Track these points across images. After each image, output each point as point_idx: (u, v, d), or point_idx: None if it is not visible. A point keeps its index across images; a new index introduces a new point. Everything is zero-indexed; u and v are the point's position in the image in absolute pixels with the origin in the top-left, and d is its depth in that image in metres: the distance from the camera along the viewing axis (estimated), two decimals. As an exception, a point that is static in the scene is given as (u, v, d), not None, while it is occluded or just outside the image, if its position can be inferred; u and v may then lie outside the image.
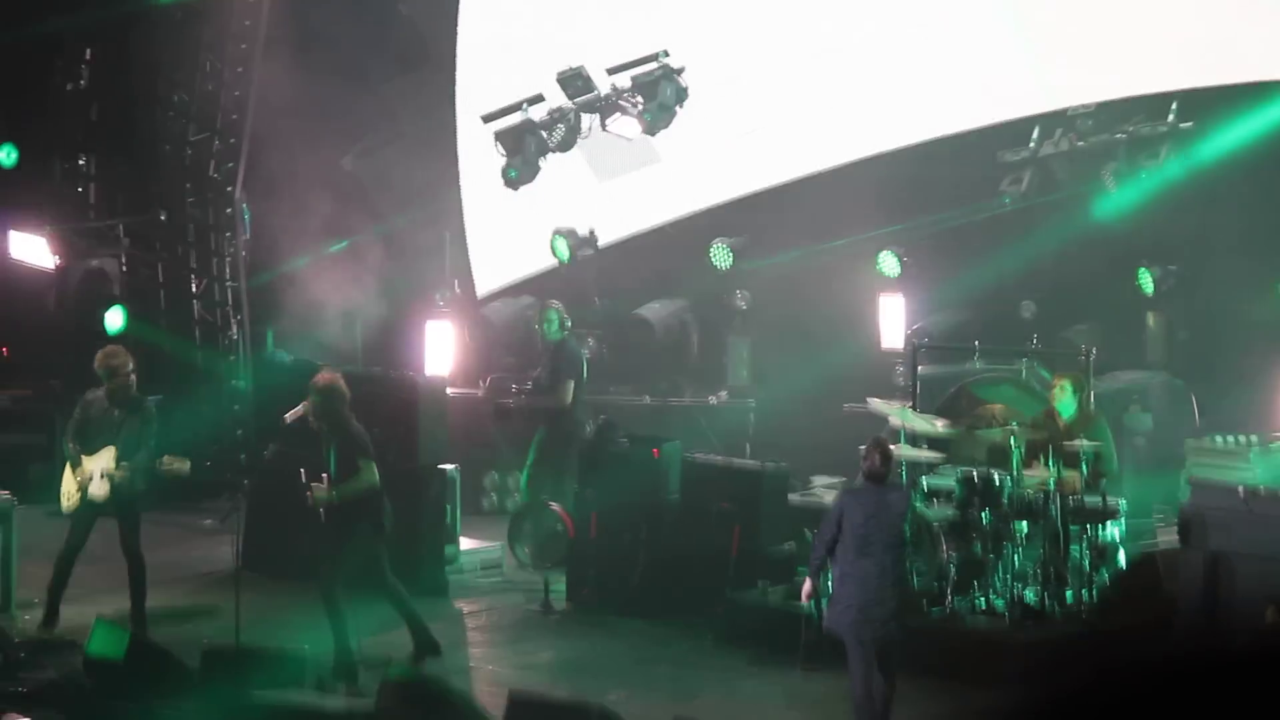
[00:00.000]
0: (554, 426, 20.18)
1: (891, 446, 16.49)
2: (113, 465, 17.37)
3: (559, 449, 20.30)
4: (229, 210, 23.90)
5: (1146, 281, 21.73)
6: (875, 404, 18.63)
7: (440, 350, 22.99)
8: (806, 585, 14.65)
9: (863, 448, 14.54)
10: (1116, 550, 16.93)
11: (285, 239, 23.75)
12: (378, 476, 16.32)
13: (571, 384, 20.06)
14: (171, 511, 21.28)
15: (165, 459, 17.24)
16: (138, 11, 22.86)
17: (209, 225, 23.87)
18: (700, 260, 23.31)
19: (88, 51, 23.63)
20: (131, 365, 17.73)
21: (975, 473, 17.21)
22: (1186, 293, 22.06)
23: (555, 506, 19.47)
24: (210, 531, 21.36)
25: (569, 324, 20.48)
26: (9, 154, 23.96)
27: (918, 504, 16.93)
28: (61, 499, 17.76)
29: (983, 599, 16.84)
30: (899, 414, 18.20)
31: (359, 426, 16.48)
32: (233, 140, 23.70)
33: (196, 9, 23.14)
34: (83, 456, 17.54)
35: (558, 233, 23.47)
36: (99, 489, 17.38)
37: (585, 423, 20.12)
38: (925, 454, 18.04)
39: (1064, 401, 17.79)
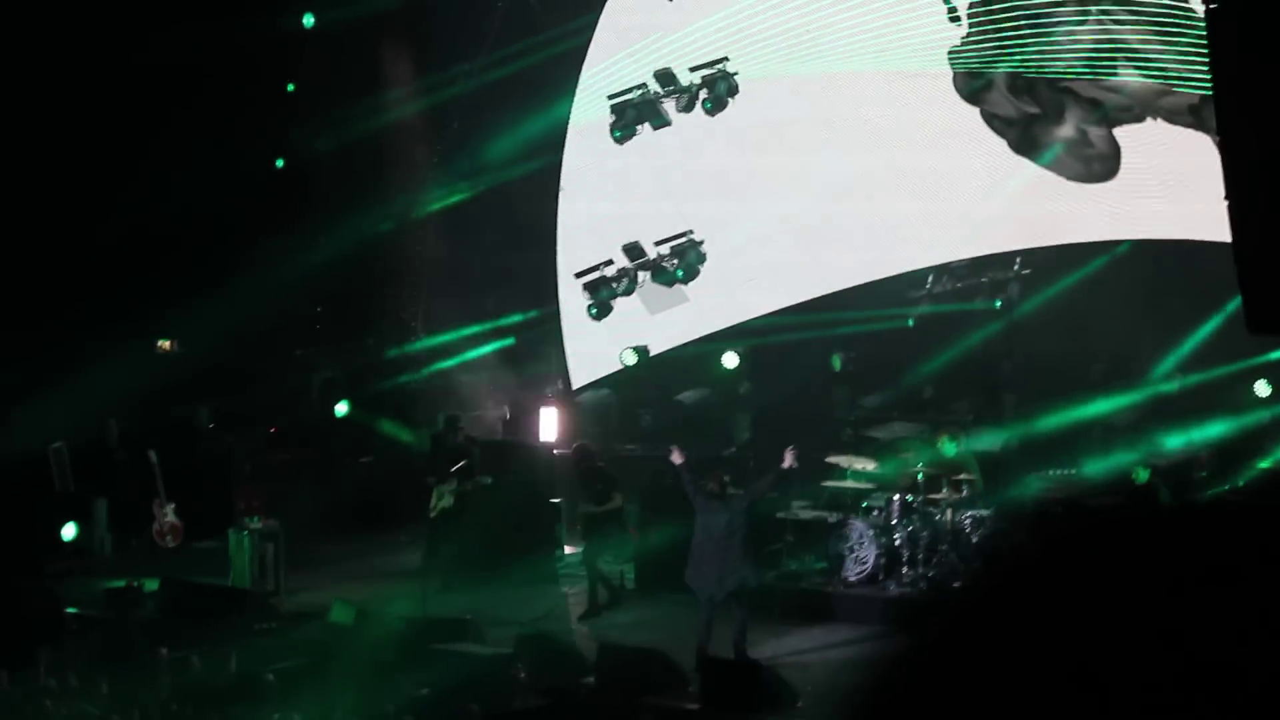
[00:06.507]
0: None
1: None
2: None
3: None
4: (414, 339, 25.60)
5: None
6: (834, 457, 20.22)
7: (550, 425, 23.52)
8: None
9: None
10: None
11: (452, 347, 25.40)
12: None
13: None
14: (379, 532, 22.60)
15: None
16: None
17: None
18: (712, 366, 24.00)
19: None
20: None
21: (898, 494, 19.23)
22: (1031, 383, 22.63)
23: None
24: (403, 545, 21.68)
25: None
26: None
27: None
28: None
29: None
30: (850, 459, 20.15)
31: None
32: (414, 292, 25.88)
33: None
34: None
35: (626, 349, 23.60)
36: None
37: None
38: (864, 485, 19.88)
39: (948, 446, 19.49)
